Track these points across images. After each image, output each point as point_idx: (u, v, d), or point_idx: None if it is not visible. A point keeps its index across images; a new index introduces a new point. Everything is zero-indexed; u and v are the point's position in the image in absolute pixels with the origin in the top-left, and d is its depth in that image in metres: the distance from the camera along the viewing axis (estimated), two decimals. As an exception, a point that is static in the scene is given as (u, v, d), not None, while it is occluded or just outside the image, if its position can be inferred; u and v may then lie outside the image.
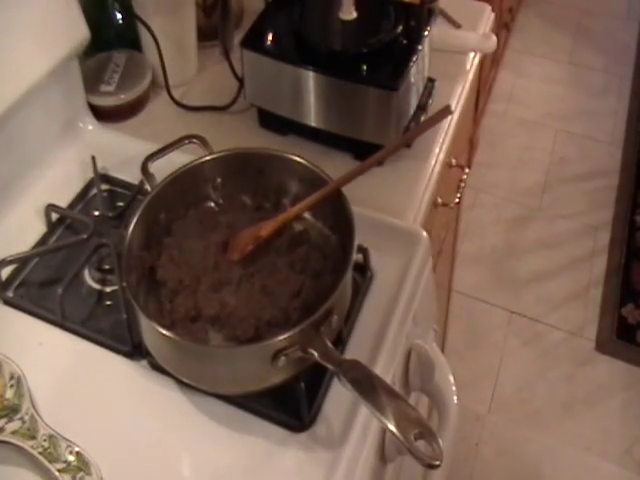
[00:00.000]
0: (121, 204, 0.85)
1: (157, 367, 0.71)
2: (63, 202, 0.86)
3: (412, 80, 0.88)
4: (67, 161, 0.90)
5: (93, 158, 0.89)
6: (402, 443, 0.56)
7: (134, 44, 1.01)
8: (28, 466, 0.65)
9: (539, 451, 1.71)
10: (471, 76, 1.06)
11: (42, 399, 0.69)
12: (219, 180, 0.78)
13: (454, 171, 1.11)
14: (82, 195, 0.87)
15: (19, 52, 0.80)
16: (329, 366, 0.61)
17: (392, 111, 0.87)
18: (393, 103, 0.86)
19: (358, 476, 0.66)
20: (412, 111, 0.93)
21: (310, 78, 0.87)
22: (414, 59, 0.87)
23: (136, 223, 0.70)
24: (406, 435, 0.56)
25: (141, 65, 0.99)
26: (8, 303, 0.77)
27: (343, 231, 0.70)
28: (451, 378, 0.80)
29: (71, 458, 0.64)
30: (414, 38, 0.89)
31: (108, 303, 0.77)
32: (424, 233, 0.82)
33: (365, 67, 0.86)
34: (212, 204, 0.79)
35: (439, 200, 1.03)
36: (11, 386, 0.69)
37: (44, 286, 0.79)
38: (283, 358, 0.62)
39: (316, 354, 0.62)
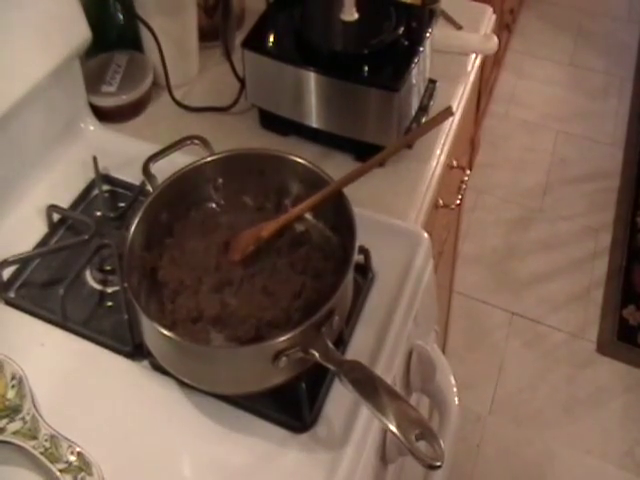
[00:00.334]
0: (122, 205, 0.85)
1: (158, 367, 0.71)
2: (64, 203, 0.86)
3: (413, 81, 0.88)
4: (68, 162, 0.90)
5: (94, 159, 0.89)
6: (403, 444, 0.56)
7: (135, 45, 1.01)
8: (29, 466, 0.65)
9: (540, 452, 1.70)
10: (472, 77, 1.06)
11: (43, 399, 0.69)
12: (220, 181, 0.78)
13: (455, 172, 1.11)
14: (83, 196, 0.87)
15: (21, 52, 0.81)
16: (330, 367, 0.61)
17: (393, 112, 0.87)
18: (394, 104, 0.86)
19: (359, 477, 0.66)
20: (413, 112, 0.93)
21: (311, 79, 0.87)
22: (415, 60, 0.87)
23: (137, 224, 0.70)
24: (407, 436, 0.56)
25: (142, 66, 0.99)
26: (10, 304, 0.77)
27: (344, 232, 0.70)
28: (452, 379, 0.81)
29: (72, 458, 0.64)
30: (415, 39, 0.89)
31: (109, 304, 0.77)
32: (425, 234, 0.82)
33: (366, 68, 0.87)
34: (213, 205, 0.79)
35: (440, 201, 1.03)
36: (12, 386, 0.69)
37: (45, 287, 0.79)
38: (284, 359, 0.62)
39: (317, 355, 0.62)
